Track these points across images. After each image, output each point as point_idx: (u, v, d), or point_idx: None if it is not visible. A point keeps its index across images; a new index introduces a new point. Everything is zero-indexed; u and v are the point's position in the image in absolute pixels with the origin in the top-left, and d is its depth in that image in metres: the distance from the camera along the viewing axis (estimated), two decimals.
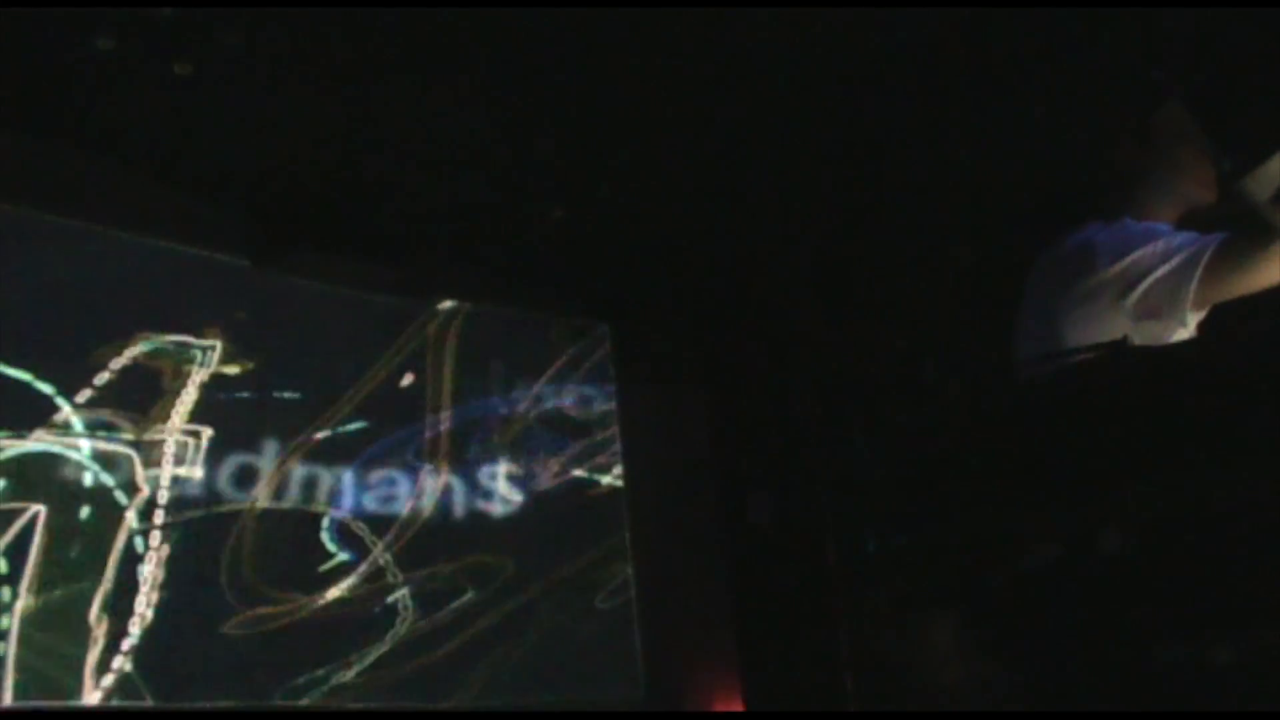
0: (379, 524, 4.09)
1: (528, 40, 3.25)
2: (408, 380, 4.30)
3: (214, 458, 3.77)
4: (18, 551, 3.29)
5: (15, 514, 3.32)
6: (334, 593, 3.91)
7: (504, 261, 4.50)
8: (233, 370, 3.86)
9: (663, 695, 4.43)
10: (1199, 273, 1.82)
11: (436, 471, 4.29)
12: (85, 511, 3.47)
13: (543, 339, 4.74)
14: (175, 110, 3.43)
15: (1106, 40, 2.95)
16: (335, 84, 3.42)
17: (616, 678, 4.45)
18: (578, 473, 4.66)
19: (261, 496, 3.86)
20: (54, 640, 3.31)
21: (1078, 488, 1.53)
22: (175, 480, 3.66)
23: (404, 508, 4.16)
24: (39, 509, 3.36)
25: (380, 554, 4.05)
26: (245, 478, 3.85)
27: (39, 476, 3.40)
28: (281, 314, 4.01)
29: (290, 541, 3.89)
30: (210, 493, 3.75)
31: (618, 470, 4.72)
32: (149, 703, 3.42)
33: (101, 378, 3.57)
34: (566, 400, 4.73)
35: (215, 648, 3.62)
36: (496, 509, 4.43)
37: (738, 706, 4.49)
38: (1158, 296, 1.86)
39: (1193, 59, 2.37)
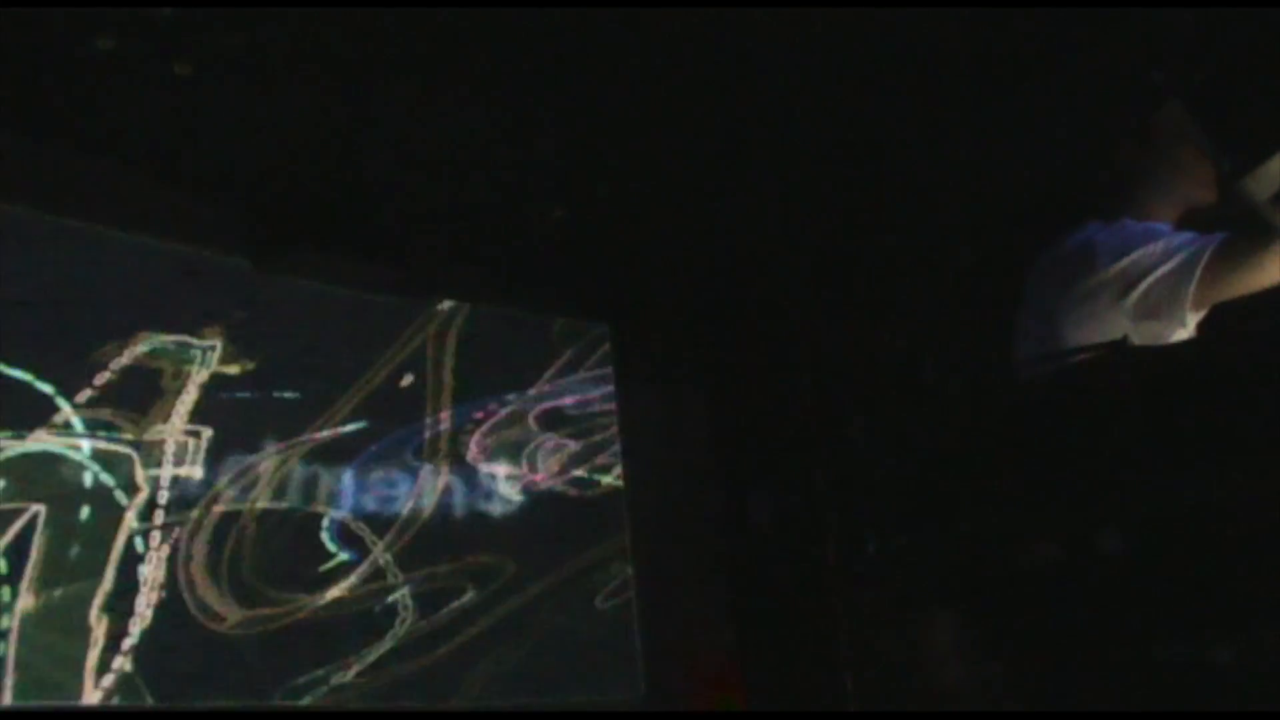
0: (379, 524, 4.09)
1: (528, 40, 3.25)
2: (408, 380, 4.30)
3: (214, 458, 3.76)
4: (18, 551, 3.28)
5: (15, 514, 3.32)
6: (334, 593, 3.91)
7: (504, 261, 4.50)
8: (233, 370, 3.86)
9: (663, 695, 4.43)
10: (1199, 273, 1.83)
11: (436, 471, 4.29)
12: (85, 511, 3.47)
13: (543, 339, 4.74)
14: (175, 110, 3.43)
15: (1107, 41, 2.95)
16: (335, 84, 3.42)
17: (616, 678, 4.45)
18: (578, 473, 4.66)
19: (261, 496, 3.86)
20: (54, 640, 3.31)
21: (1078, 488, 1.53)
22: (175, 480, 3.66)
23: (404, 508, 4.16)
24: (39, 509, 3.36)
25: (380, 554, 4.05)
26: (245, 478, 3.85)
27: (39, 476, 3.40)
28: (281, 314, 4.00)
29: (290, 541, 3.89)
30: (210, 493, 3.74)
31: (618, 470, 4.73)
32: (149, 703, 3.42)
33: (102, 378, 3.57)
34: (566, 400, 4.73)
35: (215, 648, 3.61)
36: (496, 509, 4.42)
37: (738, 707, 4.49)
38: (1158, 296, 1.86)
39: (1193, 59, 2.37)
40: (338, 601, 3.91)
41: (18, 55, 3.11)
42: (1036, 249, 2.15)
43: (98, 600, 3.41)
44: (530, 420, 4.61)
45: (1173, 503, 1.43)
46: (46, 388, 3.46)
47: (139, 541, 3.55)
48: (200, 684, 3.54)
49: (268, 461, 3.89)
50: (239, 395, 3.86)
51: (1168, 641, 1.43)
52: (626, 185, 4.08)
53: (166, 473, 3.65)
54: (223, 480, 3.78)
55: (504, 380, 4.58)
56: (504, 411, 4.55)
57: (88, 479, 3.50)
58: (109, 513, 3.51)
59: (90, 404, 3.53)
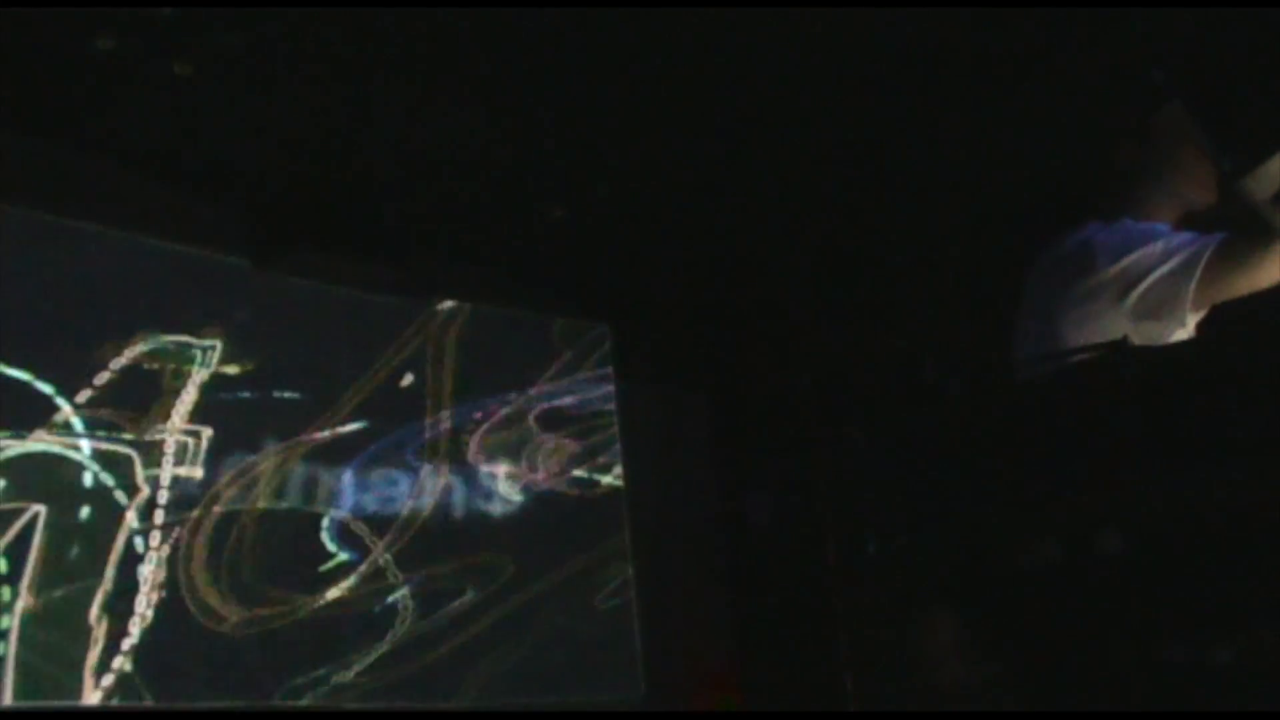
0: (379, 524, 4.08)
1: (528, 40, 3.25)
2: (408, 380, 4.30)
3: (214, 458, 3.76)
4: (18, 551, 3.28)
5: (15, 514, 3.32)
6: (334, 593, 3.91)
7: (504, 261, 4.50)
8: (233, 370, 3.86)
9: (663, 695, 4.43)
10: (1199, 273, 1.83)
11: (436, 471, 4.29)
12: (85, 511, 3.47)
13: (543, 339, 4.74)
14: (175, 110, 3.43)
15: (1107, 41, 2.95)
16: (335, 84, 3.42)
17: (616, 678, 4.45)
18: (578, 473, 4.66)
19: (261, 496, 3.85)
20: (54, 640, 3.30)
21: (1078, 488, 1.53)
22: (175, 480, 3.66)
23: (404, 508, 4.16)
24: (39, 509, 3.36)
25: (380, 554, 4.05)
26: (245, 478, 3.84)
27: (39, 476, 3.39)
28: (281, 314, 4.00)
29: (290, 541, 3.88)
30: (210, 493, 3.74)
31: (618, 470, 4.72)
32: (149, 703, 3.42)
33: (101, 377, 3.57)
34: (566, 400, 4.73)
35: (215, 648, 3.61)
36: (496, 509, 4.42)
37: (738, 707, 4.49)
38: (1158, 296, 1.86)
39: (1193, 59, 2.37)
40: (338, 601, 3.91)
41: (18, 55, 3.10)
42: (1036, 249, 2.15)
43: (98, 600, 3.41)
44: (530, 420, 4.61)
45: (1173, 503, 1.43)
46: (46, 388, 3.46)
47: (139, 541, 3.54)
48: (200, 684, 3.54)
49: (268, 461, 3.89)
50: (239, 395, 3.86)
51: (1167, 641, 1.43)
52: (626, 185, 4.08)
53: (166, 473, 3.65)
54: (223, 480, 3.78)
55: (504, 380, 4.57)
56: (504, 411, 4.55)
57: (88, 479, 3.49)
58: (109, 513, 3.51)
59: (90, 404, 3.52)
